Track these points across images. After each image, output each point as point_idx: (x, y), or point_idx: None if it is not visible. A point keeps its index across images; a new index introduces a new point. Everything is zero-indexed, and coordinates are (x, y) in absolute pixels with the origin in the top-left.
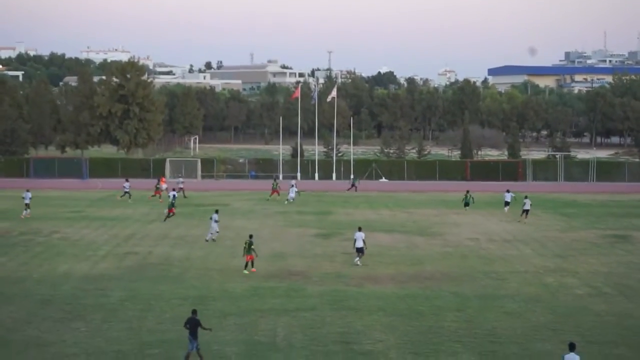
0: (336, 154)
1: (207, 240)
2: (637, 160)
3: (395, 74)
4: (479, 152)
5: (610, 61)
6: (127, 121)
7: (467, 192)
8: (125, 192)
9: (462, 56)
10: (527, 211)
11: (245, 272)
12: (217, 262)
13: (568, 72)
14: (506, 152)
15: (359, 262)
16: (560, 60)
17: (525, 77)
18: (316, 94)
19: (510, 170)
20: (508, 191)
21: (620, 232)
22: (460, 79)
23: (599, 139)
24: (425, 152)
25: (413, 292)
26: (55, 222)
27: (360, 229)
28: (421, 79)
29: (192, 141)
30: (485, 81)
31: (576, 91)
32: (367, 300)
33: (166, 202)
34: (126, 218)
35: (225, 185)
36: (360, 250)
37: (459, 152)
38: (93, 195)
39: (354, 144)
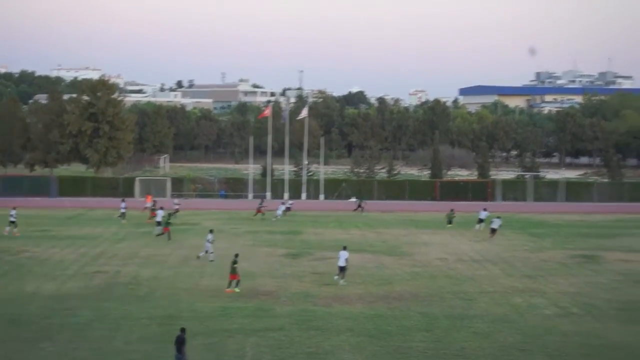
0: (306, 174)
1: (211, 260)
2: (606, 180)
3: (366, 93)
4: (449, 172)
5: (580, 81)
6: (97, 139)
7: (452, 210)
8: (122, 213)
9: (433, 76)
10: (494, 230)
11: (236, 289)
12: (185, 282)
13: (538, 93)
14: (476, 172)
15: (341, 281)
16: (531, 81)
17: (495, 97)
18: (287, 113)
19: (480, 190)
20: (485, 209)
21: (589, 252)
22: (431, 98)
23: (568, 159)
24: (395, 172)
25: (381, 312)
26: (23, 241)
27: (345, 248)
28: (392, 98)
29: (162, 160)
30: (455, 101)
31: (546, 111)
32: (336, 320)
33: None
34: (95, 237)
35: (195, 204)
36: (342, 269)
37: (429, 171)
38: (62, 214)
39: (325, 163)
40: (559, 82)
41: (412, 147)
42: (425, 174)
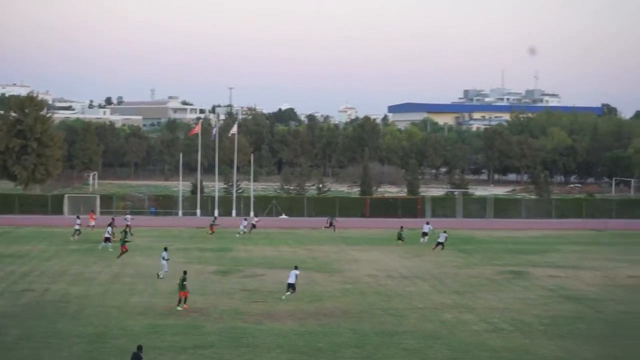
0: (236, 191)
1: (160, 277)
2: (534, 197)
3: (296, 110)
4: (379, 189)
5: (507, 99)
6: (25, 156)
7: (402, 227)
8: (77, 230)
9: (363, 93)
10: (442, 244)
11: (178, 308)
12: (115, 299)
13: (467, 110)
14: (405, 189)
15: (282, 296)
16: (459, 98)
17: (424, 115)
18: (216, 130)
19: (409, 207)
20: (428, 223)
21: (517, 268)
22: (361, 116)
23: (496, 176)
24: (325, 189)
25: (312, 329)
26: None
27: (296, 268)
28: (322, 115)
29: (91, 177)
30: (385, 118)
31: (474, 129)
32: (266, 337)
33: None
34: (23, 255)
35: (124, 221)
36: (291, 286)
37: (359, 188)
38: None
39: (255, 180)
40: (487, 99)
41: (342, 164)
42: (355, 191)
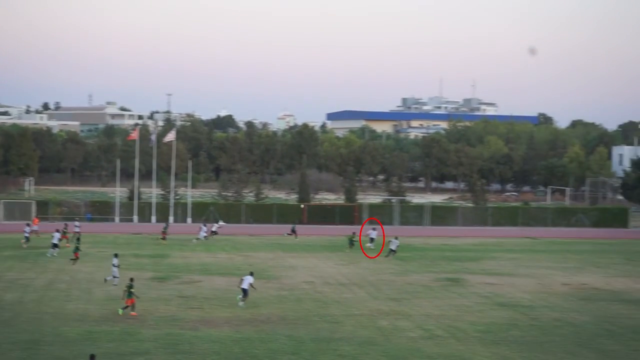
0: (174, 197)
1: (105, 280)
2: (470, 205)
3: (234, 117)
4: (316, 196)
5: (445, 108)
6: None
7: (354, 233)
8: (26, 237)
9: (302, 101)
10: (393, 251)
11: (133, 312)
12: (50, 306)
13: (405, 118)
14: (343, 196)
15: (240, 303)
16: (398, 106)
17: (363, 122)
18: (154, 136)
19: (347, 214)
20: (374, 229)
21: (453, 275)
22: (299, 123)
23: (434, 184)
24: (263, 196)
25: (248, 336)
26: None
27: (251, 274)
28: (260, 122)
29: (27, 183)
30: (323, 126)
31: (412, 136)
32: (202, 343)
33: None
34: None
35: (60, 227)
36: (244, 292)
37: (297, 195)
38: None
39: (192, 187)
40: (425, 108)
41: (280, 171)
42: (292, 198)
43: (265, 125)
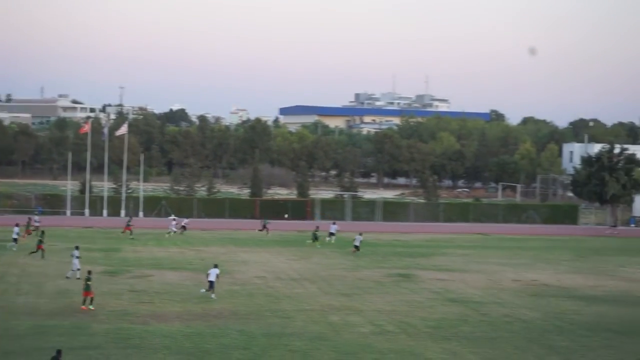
0: (125, 191)
1: (77, 278)
2: (422, 200)
3: (187, 111)
4: (269, 191)
5: (398, 103)
6: None
7: (317, 227)
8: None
9: (255, 95)
10: (357, 247)
11: (91, 307)
12: (0, 299)
13: (357, 114)
14: (295, 191)
15: (212, 295)
16: (350, 102)
17: (315, 117)
18: (106, 129)
19: (299, 209)
20: (334, 223)
21: (404, 271)
22: (252, 117)
23: (386, 180)
24: (215, 190)
25: (199, 330)
26: None
27: (216, 266)
28: (213, 116)
29: None
30: (276, 120)
31: (365, 132)
32: (153, 338)
33: None
34: None
35: (10, 220)
36: (211, 284)
37: (249, 190)
38: None
39: (144, 181)
40: (378, 103)
41: (233, 165)
42: (245, 193)
43: (218, 119)
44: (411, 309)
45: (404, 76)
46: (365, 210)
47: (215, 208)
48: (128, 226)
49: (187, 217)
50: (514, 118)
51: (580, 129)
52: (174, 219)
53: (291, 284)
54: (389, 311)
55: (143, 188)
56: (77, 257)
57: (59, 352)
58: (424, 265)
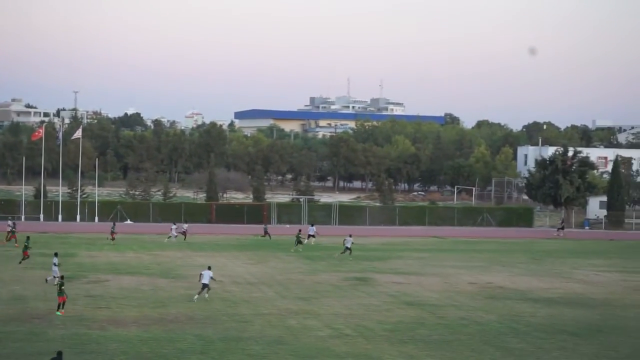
0: (81, 195)
1: (46, 281)
2: (378, 204)
3: (142, 115)
4: (225, 195)
5: (353, 107)
6: None
7: (300, 231)
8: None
9: (210, 99)
10: (348, 249)
11: (58, 313)
12: None
13: (313, 117)
14: (251, 196)
15: (206, 295)
16: (306, 105)
17: (271, 121)
18: (61, 134)
19: (255, 213)
20: (312, 225)
21: (361, 274)
22: (207, 121)
23: (342, 183)
24: (171, 195)
25: (156, 335)
26: None
27: (209, 268)
28: (168, 121)
29: None
30: (232, 124)
31: (320, 136)
32: (110, 343)
33: None
34: None
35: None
36: (205, 286)
37: (205, 194)
38: None
39: (100, 185)
40: (333, 107)
41: (188, 169)
42: (201, 197)
43: (173, 123)
44: (368, 312)
45: (359, 80)
46: (322, 214)
47: (171, 212)
48: (112, 232)
49: (186, 223)
50: (468, 121)
51: (534, 132)
52: (174, 224)
53: (248, 288)
54: (346, 315)
55: (98, 193)
56: (56, 265)
57: (59, 353)
58: (380, 268)
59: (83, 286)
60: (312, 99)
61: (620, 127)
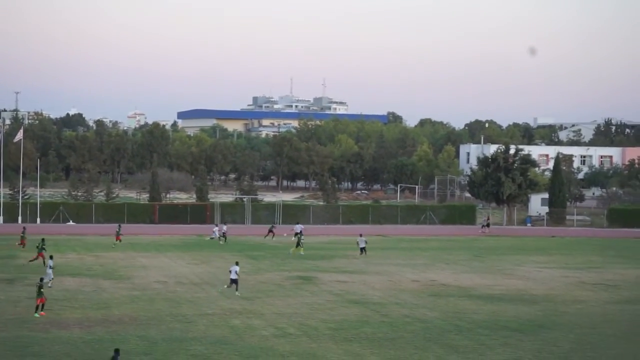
0: (22, 197)
1: (49, 287)
2: (322, 203)
3: (84, 116)
4: (168, 195)
5: (296, 106)
6: None
7: (300, 232)
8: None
9: (152, 99)
10: (364, 249)
11: (36, 315)
12: None
13: (256, 117)
14: (194, 196)
15: (237, 293)
16: (249, 105)
17: (214, 121)
18: (1, 135)
19: (199, 214)
20: (298, 223)
21: (305, 273)
22: (150, 122)
23: (285, 183)
24: (114, 195)
25: (100, 337)
26: None
27: (237, 264)
28: (110, 121)
29: None
30: (174, 124)
31: (264, 135)
32: (53, 345)
33: None
34: None
35: None
36: (234, 281)
37: (148, 195)
38: None
39: (42, 186)
40: (276, 106)
41: (131, 170)
42: (144, 197)
43: (115, 124)
44: (312, 311)
45: (302, 79)
46: (265, 214)
47: (114, 213)
48: (118, 235)
49: (225, 224)
50: (411, 120)
51: (476, 130)
52: (216, 225)
53: (192, 289)
54: (290, 314)
55: (40, 194)
56: (51, 267)
57: (117, 351)
58: (324, 267)
59: (25, 288)
60: (255, 99)
61: (562, 125)
